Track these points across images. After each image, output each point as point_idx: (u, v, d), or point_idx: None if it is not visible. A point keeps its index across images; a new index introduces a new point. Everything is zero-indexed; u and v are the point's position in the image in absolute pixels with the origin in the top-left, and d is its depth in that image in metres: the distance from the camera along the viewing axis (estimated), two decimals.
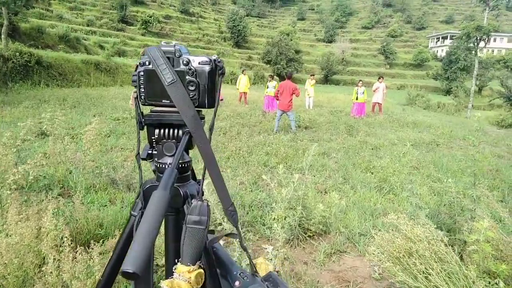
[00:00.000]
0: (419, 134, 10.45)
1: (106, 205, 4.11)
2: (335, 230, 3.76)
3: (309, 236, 3.63)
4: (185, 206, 0.87)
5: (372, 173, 6.13)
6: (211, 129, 0.88)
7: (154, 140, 0.91)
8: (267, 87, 14.90)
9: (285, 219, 3.02)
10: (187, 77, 0.83)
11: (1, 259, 2.09)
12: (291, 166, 6.41)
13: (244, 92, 16.87)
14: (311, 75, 17.26)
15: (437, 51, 64.88)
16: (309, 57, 56.63)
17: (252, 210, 4.20)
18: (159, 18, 53.27)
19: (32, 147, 6.33)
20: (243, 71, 17.67)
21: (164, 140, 0.90)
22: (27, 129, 4.81)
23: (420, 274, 2.02)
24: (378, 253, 2.26)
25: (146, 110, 0.93)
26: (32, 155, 5.66)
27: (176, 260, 0.81)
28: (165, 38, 53.51)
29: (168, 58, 0.81)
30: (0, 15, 17.51)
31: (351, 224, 3.96)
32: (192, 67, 0.82)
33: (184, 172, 0.92)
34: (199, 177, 0.93)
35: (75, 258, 2.14)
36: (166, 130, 0.89)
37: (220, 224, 3.02)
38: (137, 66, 0.86)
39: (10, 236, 2.28)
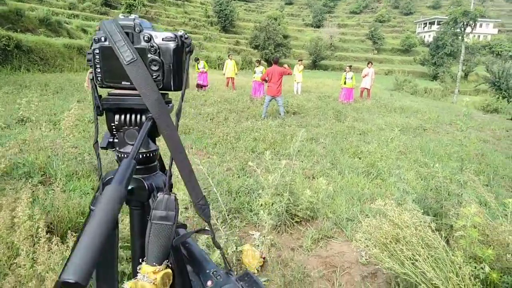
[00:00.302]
0: (406, 119, 10.49)
1: (88, 193, 4.01)
2: (323, 215, 3.73)
3: (296, 222, 3.60)
4: (150, 200, 0.78)
5: (360, 158, 6.13)
6: (178, 114, 0.77)
7: (114, 127, 0.81)
8: (254, 72, 14.72)
9: (272, 205, 2.98)
10: (149, 55, 0.73)
11: None
12: (279, 152, 6.36)
13: (231, 78, 16.66)
14: (299, 60, 17.10)
15: (424, 36, 65.10)
16: (297, 42, 56.21)
17: (239, 196, 4.15)
18: (144, 1, 51.98)
19: (12, 134, 6.14)
20: (229, 56, 17.43)
21: (126, 127, 0.79)
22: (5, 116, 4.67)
23: (407, 260, 2.00)
24: (365, 239, 2.23)
25: (105, 93, 0.83)
26: (10, 142, 5.50)
27: (141, 260, 0.74)
28: (150, 22, 52.31)
29: (127, 33, 0.71)
30: None
31: (338, 209, 3.94)
32: (154, 44, 0.72)
33: (149, 162, 0.82)
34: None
35: (51, 249, 2.05)
36: (128, 116, 0.79)
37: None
38: (92, 43, 0.75)
39: None
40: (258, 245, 2.98)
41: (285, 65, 10.73)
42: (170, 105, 0.81)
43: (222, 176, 4.77)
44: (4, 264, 2.13)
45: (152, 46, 0.72)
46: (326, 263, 3.02)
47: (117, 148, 0.81)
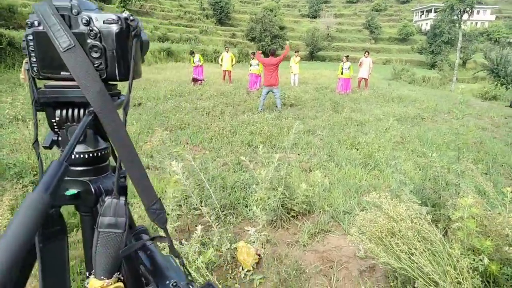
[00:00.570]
0: (404, 109, 10.41)
1: None
2: (319, 209, 3.68)
3: (292, 217, 3.55)
4: (98, 205, 0.70)
5: (357, 150, 6.07)
6: (125, 108, 0.68)
7: (55, 124, 0.72)
8: (250, 65, 14.60)
9: (266, 200, 2.92)
10: (88, 40, 0.64)
11: None
12: (275, 145, 6.30)
13: (228, 71, 16.52)
14: (295, 52, 16.96)
15: (422, 24, 64.69)
16: (293, 33, 55.85)
17: (235, 191, 4.09)
18: None
19: (5, 133, 6.06)
20: (226, 48, 17.27)
21: (68, 124, 0.71)
22: None
23: (403, 255, 1.95)
24: (360, 234, 2.18)
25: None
26: (2, 142, 5.43)
27: (88, 273, 0.67)
28: (145, 17, 52.02)
29: (63, 16, 0.62)
30: None
31: (335, 202, 3.89)
32: (94, 28, 0.64)
33: (98, 162, 0.73)
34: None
35: None
36: (70, 111, 0.70)
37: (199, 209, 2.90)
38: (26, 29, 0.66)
39: None
40: (254, 242, 2.93)
41: (287, 42, 10.57)
42: (121, 97, 0.73)
43: (218, 171, 4.71)
44: None
45: (92, 30, 0.64)
46: (323, 258, 2.97)
47: (61, 148, 0.73)
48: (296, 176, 4.66)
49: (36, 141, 0.72)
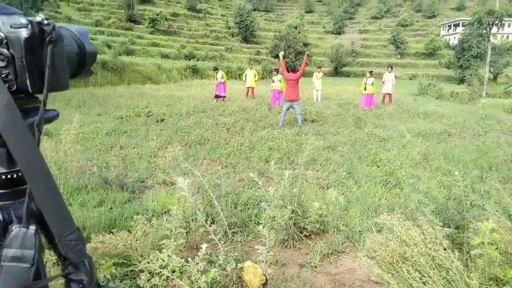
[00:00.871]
0: (430, 125, 10.07)
1: (95, 206, 3.97)
2: (333, 228, 3.53)
3: (305, 236, 3.41)
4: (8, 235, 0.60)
5: (378, 167, 5.86)
6: (38, 125, 0.61)
7: None
8: (273, 81, 14.64)
9: (274, 219, 2.81)
10: None
11: None
12: (293, 161, 6.18)
13: (251, 87, 16.62)
14: (318, 68, 16.91)
15: (449, 39, 63.35)
16: (318, 49, 55.93)
17: (248, 208, 4.00)
18: (166, 16, 53.21)
19: None
20: (249, 65, 17.41)
21: None
22: None
23: (415, 283, 1.79)
24: (368, 258, 2.03)
25: None
26: None
27: None
28: (173, 36, 53.50)
29: None
30: None
31: (352, 221, 3.73)
32: (0, 33, 0.57)
33: (10, 186, 0.65)
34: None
35: None
36: None
37: (205, 226, 2.82)
38: None
39: None
40: (263, 261, 2.81)
41: (306, 54, 10.44)
42: (35, 116, 0.64)
43: (232, 188, 4.64)
44: None
45: None
46: (335, 280, 2.82)
47: None
48: (312, 193, 4.53)
49: None
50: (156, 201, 4.01)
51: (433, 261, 1.86)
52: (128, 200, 4.25)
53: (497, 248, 1.98)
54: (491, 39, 30.00)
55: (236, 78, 32.65)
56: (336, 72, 48.78)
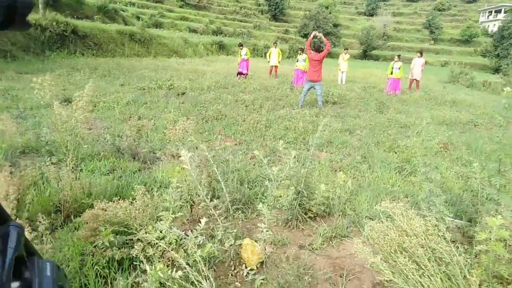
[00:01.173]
0: (456, 114, 9.68)
1: (106, 174, 4.02)
2: (339, 212, 3.44)
3: (309, 218, 3.35)
4: None
5: (395, 153, 5.69)
6: None
7: None
8: (297, 61, 14.35)
9: (277, 198, 2.76)
10: None
11: None
12: (308, 142, 6.06)
13: (275, 66, 16.36)
14: (344, 49, 16.41)
15: (488, 26, 60.17)
16: (348, 31, 54.40)
17: (255, 185, 3.96)
18: None
19: (51, 113, 6.37)
20: (274, 43, 17.08)
21: None
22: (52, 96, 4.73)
23: (411, 274, 1.71)
24: (364, 246, 1.96)
25: None
26: (47, 120, 5.71)
27: None
28: (202, 10, 53.11)
29: None
30: None
31: (360, 206, 3.64)
32: None
33: None
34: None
35: None
36: None
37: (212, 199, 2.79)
38: None
39: None
40: (263, 240, 2.78)
41: (314, 32, 9.56)
42: None
43: (243, 164, 4.61)
44: None
45: None
46: (335, 264, 2.76)
47: None
48: (323, 175, 4.44)
49: None
50: (165, 173, 4.03)
51: (432, 254, 1.77)
52: (139, 170, 4.29)
53: (505, 246, 1.87)
54: None
55: (261, 56, 32.23)
56: (365, 55, 47.48)
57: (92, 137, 5.33)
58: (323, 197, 3.22)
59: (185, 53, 26.28)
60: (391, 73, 13.44)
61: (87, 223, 2.50)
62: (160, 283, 2.10)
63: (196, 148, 5.45)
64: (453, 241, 3.00)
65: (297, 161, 4.98)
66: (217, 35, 38.93)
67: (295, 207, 3.26)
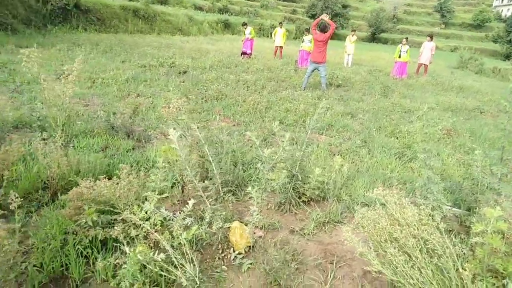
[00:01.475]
0: (463, 100, 9.48)
1: (99, 151, 3.94)
2: (334, 197, 3.35)
3: (303, 202, 3.27)
4: None
5: (397, 138, 5.57)
6: None
7: None
8: (303, 41, 14.04)
9: (269, 181, 2.66)
10: None
11: None
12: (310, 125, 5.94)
13: (280, 46, 16.05)
14: (352, 31, 16.02)
15: (502, 10, 58.76)
16: (357, 12, 53.31)
17: (251, 167, 3.87)
18: None
19: (48, 87, 6.25)
20: (280, 23, 16.70)
21: None
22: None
23: (400, 266, 1.62)
24: (354, 234, 1.87)
25: None
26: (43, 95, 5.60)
27: None
28: None
29: None
30: None
31: (356, 192, 3.54)
32: None
33: None
34: None
35: None
36: None
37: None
38: None
39: None
40: (254, 223, 2.70)
41: (323, 16, 9.12)
42: None
43: (239, 145, 4.51)
44: None
45: None
46: (326, 250, 2.69)
47: None
48: (321, 158, 4.34)
49: None
50: (159, 152, 3.93)
51: (424, 245, 1.68)
52: (133, 148, 4.20)
53: (502, 238, 1.77)
54: None
55: (267, 36, 31.73)
56: (373, 37, 46.63)
57: (88, 114, 5.23)
58: (317, 181, 3.13)
59: (189, 31, 25.88)
60: (399, 57, 13.15)
61: (71, 201, 2.42)
62: (143, 265, 2.04)
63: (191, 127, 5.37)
64: (450, 231, 2.92)
65: (295, 143, 4.89)
66: (223, 14, 38.26)
67: (289, 191, 3.17)
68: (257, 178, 3.62)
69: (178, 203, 3.11)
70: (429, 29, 49.95)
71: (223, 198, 2.89)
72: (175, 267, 2.08)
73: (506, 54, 37.50)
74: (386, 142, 5.24)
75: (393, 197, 1.86)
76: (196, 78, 8.99)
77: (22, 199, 2.77)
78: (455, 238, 2.82)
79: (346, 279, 2.40)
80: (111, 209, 2.47)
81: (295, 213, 3.17)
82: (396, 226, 1.76)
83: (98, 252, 2.29)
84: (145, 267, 2.04)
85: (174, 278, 2.07)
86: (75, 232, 2.33)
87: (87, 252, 2.27)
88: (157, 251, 2.02)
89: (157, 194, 2.36)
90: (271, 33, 31.17)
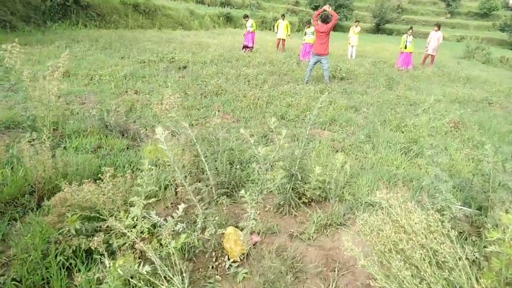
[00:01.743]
0: (470, 91, 9.22)
1: (91, 152, 3.79)
2: (336, 197, 3.18)
3: (304, 203, 3.10)
4: None
5: (402, 132, 5.36)
6: None
7: None
8: (305, 34, 13.77)
9: (265, 182, 2.49)
10: None
11: None
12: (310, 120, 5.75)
13: (282, 39, 15.79)
14: (355, 22, 15.69)
15: None
16: (361, 3, 52.54)
17: (249, 166, 3.70)
18: None
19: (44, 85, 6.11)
20: (282, 15, 16.41)
21: None
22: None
23: (406, 282, 1.45)
24: (353, 243, 1.69)
25: None
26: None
27: None
28: None
29: None
30: None
31: (359, 191, 3.37)
32: None
33: None
34: None
35: None
36: None
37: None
38: None
39: None
40: (249, 229, 2.54)
41: (325, 6, 8.97)
42: None
43: (238, 142, 4.34)
44: None
45: None
46: (327, 256, 2.52)
47: None
48: (324, 155, 4.16)
49: None
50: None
51: (434, 257, 1.51)
52: (127, 147, 4.05)
53: None
54: None
55: (270, 29, 31.35)
56: (378, 28, 45.99)
57: (83, 112, 5.08)
58: (318, 181, 2.95)
59: (191, 26, 25.62)
60: (405, 47, 12.85)
61: (54, 207, 2.28)
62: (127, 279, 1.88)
63: (191, 125, 5.20)
64: (460, 232, 2.74)
65: (296, 139, 4.71)
66: (224, 7, 37.86)
67: (288, 191, 3.00)
68: (254, 178, 3.46)
69: (172, 207, 2.95)
70: (434, 19, 49.15)
71: (217, 201, 2.73)
72: (164, 279, 1.92)
73: None
74: (391, 137, 5.04)
75: (397, 200, 1.69)
76: (196, 73, 8.81)
77: (6, 205, 2.64)
78: (466, 241, 2.65)
79: None
80: (98, 215, 2.32)
81: (295, 215, 2.99)
82: (401, 234, 1.58)
83: (82, 263, 2.14)
84: (127, 281, 1.88)
85: None
86: (58, 242, 2.18)
87: (70, 263, 2.12)
88: (142, 263, 1.86)
89: (145, 199, 2.21)
90: (273, 26, 30.89)
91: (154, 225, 2.38)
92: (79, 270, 2.08)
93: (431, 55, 13.99)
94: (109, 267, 1.72)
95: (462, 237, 2.71)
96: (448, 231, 1.54)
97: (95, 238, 1.94)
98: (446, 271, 1.46)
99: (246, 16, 15.18)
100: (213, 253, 2.39)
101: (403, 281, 1.47)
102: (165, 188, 3.11)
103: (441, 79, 11.23)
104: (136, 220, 2.16)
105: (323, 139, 4.84)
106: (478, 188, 3.26)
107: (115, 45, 12.68)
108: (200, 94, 6.89)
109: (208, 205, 2.59)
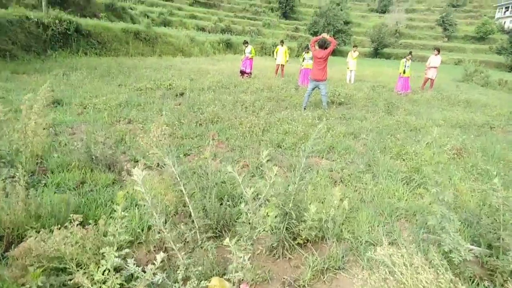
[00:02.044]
0: (470, 115, 9.05)
1: (74, 188, 3.58)
2: (334, 237, 2.93)
3: (298, 244, 2.85)
4: None
5: (403, 160, 5.15)
6: None
7: None
8: (303, 59, 13.77)
9: (254, 227, 2.27)
10: None
11: None
12: (306, 152, 5.55)
13: (281, 65, 15.83)
14: (354, 46, 15.76)
15: (505, 22, 58.60)
16: (359, 28, 53.49)
17: (241, 202, 3.47)
18: None
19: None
20: (281, 41, 16.52)
21: None
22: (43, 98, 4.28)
23: None
24: None
25: None
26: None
27: None
28: (212, 8, 52.77)
29: None
30: None
31: (359, 228, 3.13)
32: None
33: None
34: None
35: None
36: None
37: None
38: None
39: None
40: (235, 280, 2.29)
41: (324, 34, 9.00)
42: None
43: (230, 176, 4.12)
44: None
45: None
46: None
47: None
48: (321, 188, 3.93)
49: None
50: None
51: None
52: (113, 183, 3.83)
53: None
54: None
55: (269, 55, 31.70)
56: (376, 53, 46.59)
57: (72, 143, 4.90)
58: (313, 220, 2.72)
59: (191, 52, 25.89)
60: (404, 72, 12.81)
61: (18, 259, 2.05)
62: None
63: (184, 155, 5.00)
64: (470, 277, 2.49)
65: (292, 170, 4.49)
66: (225, 34, 38.49)
67: (282, 232, 2.76)
68: (244, 221, 3.22)
69: (155, 251, 2.71)
70: (432, 43, 49.81)
71: (201, 247, 2.49)
72: None
73: (511, 65, 37.07)
74: (392, 165, 4.83)
75: (401, 258, 1.46)
76: (192, 100, 8.69)
77: None
78: (478, 287, 2.39)
79: None
80: (66, 267, 2.09)
81: (290, 258, 2.74)
82: None
83: None
84: None
85: None
86: None
87: None
88: None
89: (118, 249, 1.98)
90: (273, 52, 31.24)
91: (131, 276, 2.15)
92: None
93: (431, 79, 13.94)
94: None
95: (473, 282, 2.46)
96: None
97: None
98: None
99: (245, 42, 15.26)
100: None
101: None
102: (149, 229, 2.87)
103: (440, 103, 11.11)
104: (108, 274, 1.93)
105: (321, 169, 4.62)
106: (487, 224, 3.02)
107: (113, 72, 12.68)
108: (195, 122, 6.73)
109: (192, 251, 2.35)
